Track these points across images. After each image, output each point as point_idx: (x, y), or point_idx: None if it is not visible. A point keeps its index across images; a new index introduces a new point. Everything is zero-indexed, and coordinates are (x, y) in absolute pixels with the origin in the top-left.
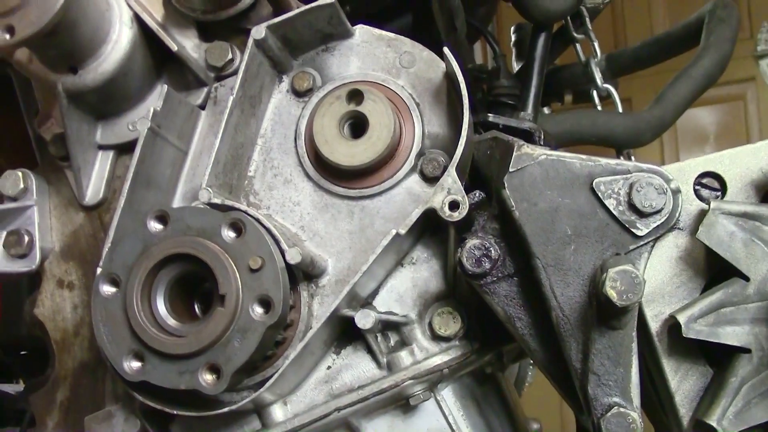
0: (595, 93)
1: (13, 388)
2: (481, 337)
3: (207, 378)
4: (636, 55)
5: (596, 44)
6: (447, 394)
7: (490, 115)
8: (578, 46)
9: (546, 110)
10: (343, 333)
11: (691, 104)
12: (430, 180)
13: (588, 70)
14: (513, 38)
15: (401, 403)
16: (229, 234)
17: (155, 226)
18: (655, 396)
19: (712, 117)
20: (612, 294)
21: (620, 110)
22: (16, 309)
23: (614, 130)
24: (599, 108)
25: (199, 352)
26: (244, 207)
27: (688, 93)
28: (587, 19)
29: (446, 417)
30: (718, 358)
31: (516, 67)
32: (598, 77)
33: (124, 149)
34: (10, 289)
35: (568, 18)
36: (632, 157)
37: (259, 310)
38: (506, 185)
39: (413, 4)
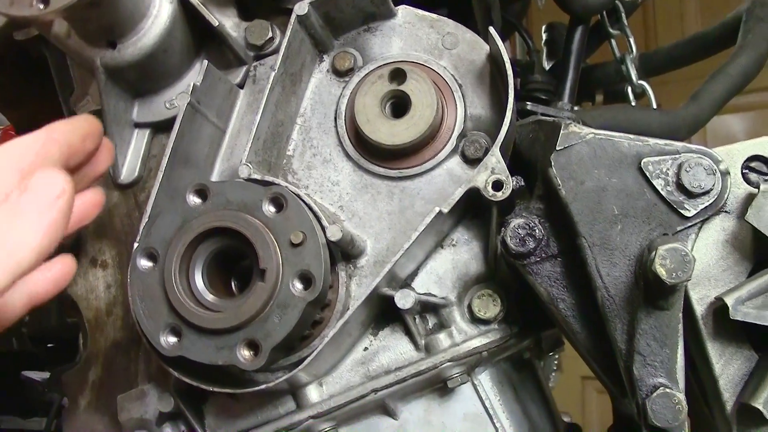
0: (630, 90)
1: (40, 375)
2: (520, 322)
3: (245, 354)
4: (670, 55)
5: (632, 40)
6: (484, 379)
7: (528, 103)
8: (614, 42)
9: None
10: (381, 315)
11: (727, 102)
12: (472, 162)
13: (623, 66)
14: (544, 37)
15: (438, 387)
16: (269, 209)
17: (194, 200)
18: (696, 382)
19: (742, 125)
20: (661, 272)
21: (655, 107)
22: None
23: (650, 126)
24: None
25: (237, 328)
26: (284, 183)
27: (725, 91)
28: (623, 15)
29: (483, 401)
30: (763, 343)
31: (547, 66)
32: (633, 74)
33: (160, 128)
34: None
35: (604, 13)
36: None
37: (299, 285)
38: (553, 163)
39: None
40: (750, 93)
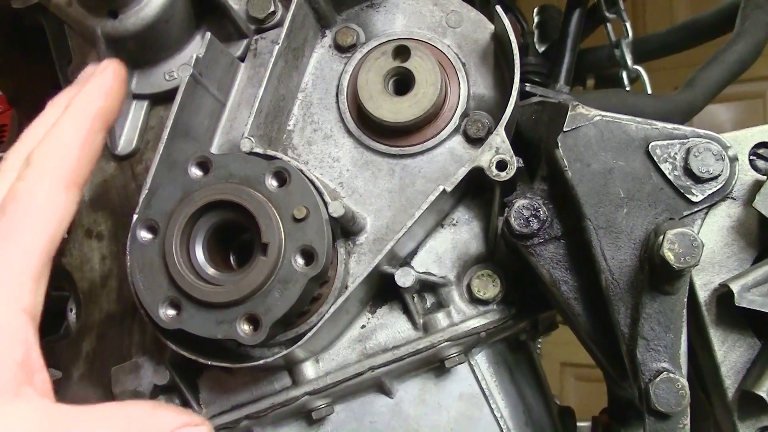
0: (624, 74)
1: None
2: (518, 303)
3: (245, 328)
4: (663, 41)
5: (628, 24)
6: (480, 359)
7: (527, 85)
8: (609, 26)
9: None
10: (379, 293)
11: (723, 90)
12: (474, 141)
13: (618, 51)
14: (536, 20)
15: (434, 366)
16: (272, 183)
17: (196, 172)
18: (693, 369)
19: (730, 114)
20: (669, 256)
21: (649, 92)
22: None
23: (643, 111)
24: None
25: (238, 302)
26: (287, 157)
27: (720, 78)
28: None
29: (479, 382)
30: (766, 331)
31: (539, 49)
32: (629, 58)
33: (158, 99)
34: None
35: None
36: None
37: (301, 261)
38: (560, 145)
39: None
40: (738, 83)
